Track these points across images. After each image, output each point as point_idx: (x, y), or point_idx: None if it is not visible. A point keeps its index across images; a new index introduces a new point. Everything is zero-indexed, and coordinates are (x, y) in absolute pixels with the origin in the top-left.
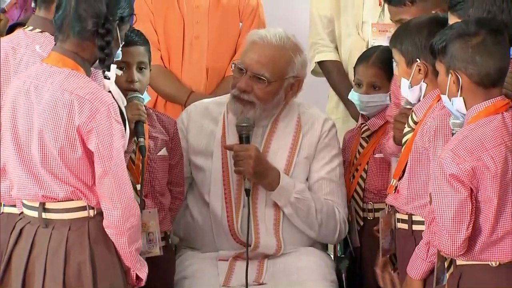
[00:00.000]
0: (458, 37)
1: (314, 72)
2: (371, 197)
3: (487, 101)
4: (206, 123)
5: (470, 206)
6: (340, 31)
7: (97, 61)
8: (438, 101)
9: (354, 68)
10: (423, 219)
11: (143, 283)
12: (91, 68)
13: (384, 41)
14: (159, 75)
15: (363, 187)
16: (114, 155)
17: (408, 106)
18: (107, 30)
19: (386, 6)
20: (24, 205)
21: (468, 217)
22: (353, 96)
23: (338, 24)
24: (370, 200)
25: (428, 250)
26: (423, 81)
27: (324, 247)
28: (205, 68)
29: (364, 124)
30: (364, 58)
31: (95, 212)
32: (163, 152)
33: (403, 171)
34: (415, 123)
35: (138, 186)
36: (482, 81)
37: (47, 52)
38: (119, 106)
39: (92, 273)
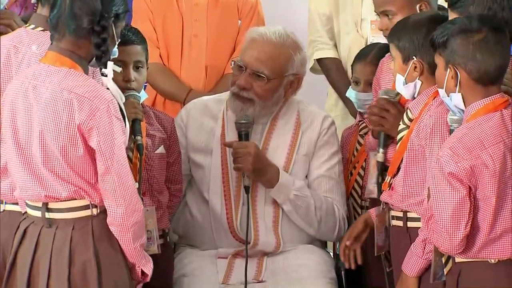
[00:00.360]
0: (460, 33)
1: (312, 69)
2: None
3: (486, 99)
4: (205, 121)
5: (469, 204)
6: (339, 28)
7: (94, 58)
8: (434, 98)
9: (352, 66)
10: (418, 216)
11: (148, 279)
12: (89, 67)
13: (383, 39)
14: (158, 73)
15: (361, 184)
16: (115, 152)
17: (385, 96)
18: (102, 28)
19: None
20: (28, 205)
21: (467, 215)
22: (351, 94)
23: (337, 22)
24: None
25: (424, 247)
26: (418, 79)
27: (323, 245)
28: (204, 66)
29: (362, 122)
30: (361, 56)
31: (98, 211)
32: (161, 150)
33: (398, 168)
34: (410, 120)
35: (136, 184)
36: (481, 78)
37: (45, 51)
38: (118, 102)
39: (97, 271)
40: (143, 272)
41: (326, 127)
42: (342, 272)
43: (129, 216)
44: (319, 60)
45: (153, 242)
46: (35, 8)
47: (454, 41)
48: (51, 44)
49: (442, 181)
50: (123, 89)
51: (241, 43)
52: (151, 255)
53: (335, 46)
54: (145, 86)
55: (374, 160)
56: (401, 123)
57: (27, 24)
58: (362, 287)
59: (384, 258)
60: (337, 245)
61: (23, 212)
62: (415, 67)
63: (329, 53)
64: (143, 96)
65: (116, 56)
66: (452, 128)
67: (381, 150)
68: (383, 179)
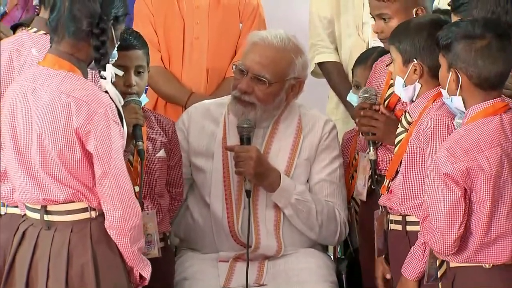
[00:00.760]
0: (464, 38)
1: (313, 73)
2: None
3: (485, 102)
4: (207, 124)
5: (464, 206)
6: (340, 32)
7: (93, 61)
8: (434, 101)
9: (352, 70)
10: (417, 220)
11: (146, 282)
12: (88, 70)
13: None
14: (159, 76)
15: None
16: (113, 156)
17: (365, 95)
18: (101, 30)
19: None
20: (27, 207)
21: (461, 216)
22: (352, 97)
23: (338, 25)
24: None
25: (424, 250)
26: (418, 82)
27: (324, 248)
28: (205, 68)
29: None
30: (362, 59)
31: (97, 213)
32: (162, 153)
33: (396, 171)
34: (409, 123)
35: (137, 188)
36: (481, 84)
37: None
38: (116, 106)
39: (95, 274)
40: (141, 276)
41: (328, 131)
42: (343, 276)
43: (126, 220)
44: (320, 64)
45: (153, 245)
46: (36, 10)
47: (457, 46)
48: (51, 46)
49: (438, 181)
50: (124, 94)
51: (243, 46)
52: (151, 259)
53: (336, 49)
54: (146, 89)
55: (364, 161)
56: (399, 126)
57: (30, 27)
58: None
59: (385, 262)
60: (338, 248)
61: (22, 214)
62: (415, 69)
63: (330, 56)
64: (144, 100)
65: (115, 58)
66: None
67: (371, 148)
68: (377, 181)
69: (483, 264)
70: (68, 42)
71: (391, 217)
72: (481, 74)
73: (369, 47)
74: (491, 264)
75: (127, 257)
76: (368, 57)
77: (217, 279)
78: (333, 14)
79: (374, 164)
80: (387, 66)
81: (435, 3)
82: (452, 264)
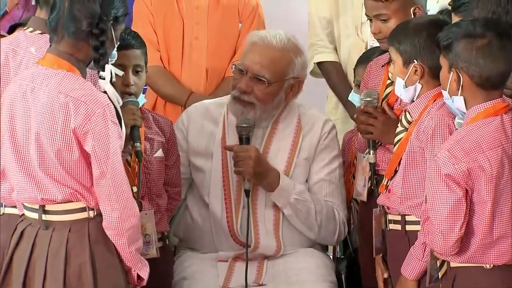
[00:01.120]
0: (464, 37)
1: (312, 73)
2: None
3: (486, 103)
4: (206, 124)
5: (465, 206)
6: (339, 32)
7: (92, 61)
8: (435, 101)
9: (354, 69)
10: (417, 219)
11: (144, 283)
12: (87, 70)
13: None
14: (158, 76)
15: None
16: (110, 157)
17: (368, 99)
18: (101, 30)
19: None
20: (25, 207)
21: (462, 217)
22: (353, 97)
23: (337, 25)
24: None
25: (424, 250)
26: (418, 82)
27: (323, 248)
28: (205, 68)
29: None
30: (364, 59)
31: (95, 213)
32: (159, 153)
33: (395, 171)
34: (409, 122)
35: (135, 188)
36: (483, 83)
37: (43, 54)
38: (115, 106)
39: (92, 274)
40: (139, 276)
41: (327, 131)
42: (343, 276)
43: (124, 221)
44: (319, 64)
45: (152, 245)
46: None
47: (458, 45)
48: (50, 46)
49: (439, 182)
50: (122, 93)
51: (242, 46)
52: (150, 258)
53: (335, 49)
54: (145, 89)
55: (363, 162)
56: (399, 125)
57: (26, 27)
58: None
59: (382, 262)
60: (337, 248)
61: (20, 214)
62: (416, 70)
63: (329, 56)
64: (142, 100)
65: (115, 59)
66: None
67: (371, 151)
68: (376, 182)
69: (484, 265)
70: (67, 42)
71: (390, 217)
72: (483, 74)
73: (368, 47)
74: (492, 265)
75: (125, 258)
76: (370, 57)
77: (216, 278)
78: (332, 15)
79: (374, 167)
80: (382, 66)
81: (435, 3)
82: (452, 264)
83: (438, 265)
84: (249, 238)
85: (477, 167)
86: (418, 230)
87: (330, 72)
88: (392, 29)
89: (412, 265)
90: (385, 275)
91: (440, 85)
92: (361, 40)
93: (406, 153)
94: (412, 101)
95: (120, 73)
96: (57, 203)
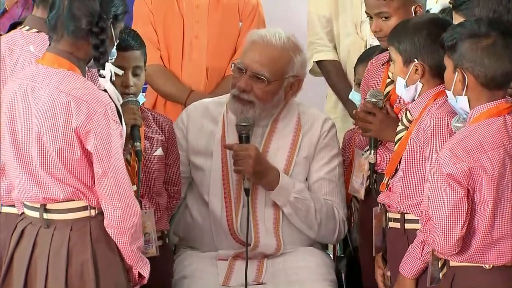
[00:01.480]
0: (469, 37)
1: (312, 71)
2: None
3: (489, 103)
4: (206, 123)
5: (466, 206)
6: (339, 30)
7: (92, 60)
8: (435, 100)
9: (355, 68)
10: (416, 218)
11: (145, 281)
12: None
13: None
14: (159, 75)
15: None
16: (112, 156)
17: (372, 99)
18: (101, 29)
19: None
20: (25, 206)
21: (464, 217)
22: (354, 96)
23: (336, 24)
24: None
25: (422, 249)
26: (419, 81)
27: (323, 247)
28: (205, 67)
29: None
30: (364, 58)
31: (97, 212)
32: (159, 152)
33: (396, 169)
34: (409, 121)
35: (134, 187)
36: (488, 83)
37: (42, 52)
38: (115, 104)
39: (94, 273)
40: (140, 275)
41: (327, 130)
42: (343, 275)
43: (126, 219)
44: (318, 62)
45: (151, 244)
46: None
47: (463, 45)
48: (49, 45)
49: (441, 181)
50: (121, 94)
51: (242, 45)
52: (150, 257)
53: (335, 48)
54: (145, 88)
55: (361, 159)
56: (399, 124)
57: (22, 26)
58: None
59: (382, 260)
60: (337, 247)
61: (19, 213)
62: (416, 69)
63: (329, 55)
64: (141, 99)
65: (114, 57)
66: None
67: (372, 151)
68: (375, 181)
69: (483, 265)
70: (67, 41)
71: (389, 215)
72: (488, 73)
73: (368, 45)
74: (491, 265)
75: (126, 256)
76: (371, 56)
77: (216, 277)
78: (331, 13)
79: (373, 166)
80: (382, 65)
81: (434, 3)
82: (452, 263)
83: (440, 266)
84: (249, 236)
85: (479, 167)
86: (417, 229)
87: (330, 70)
88: (392, 29)
89: (410, 264)
90: (388, 273)
91: (440, 84)
92: (361, 38)
93: (406, 152)
94: (413, 100)
95: (120, 72)
96: (59, 202)
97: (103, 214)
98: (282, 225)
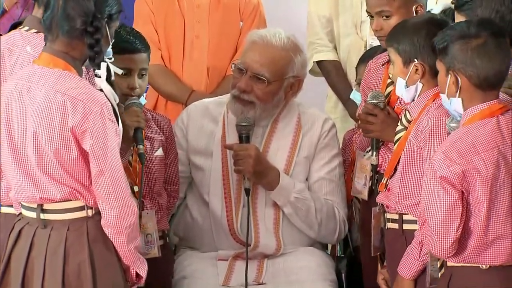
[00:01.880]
0: (459, 39)
1: (312, 71)
2: None
3: (482, 104)
4: (206, 123)
5: (461, 208)
6: (339, 30)
7: (88, 59)
8: (434, 100)
9: (356, 68)
10: (414, 219)
11: (143, 281)
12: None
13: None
14: (159, 75)
15: None
16: (109, 155)
17: (373, 101)
18: (95, 28)
19: None
20: (23, 206)
21: (458, 219)
22: (355, 95)
23: (336, 24)
24: None
25: (421, 250)
26: (419, 81)
27: (324, 247)
28: (206, 67)
29: None
30: (365, 58)
31: (94, 212)
32: (159, 152)
33: (395, 169)
34: (408, 121)
35: (136, 188)
36: (481, 84)
37: (39, 53)
38: (112, 104)
39: (91, 273)
40: (137, 274)
41: (327, 130)
42: (343, 275)
43: (123, 219)
44: (318, 63)
45: (153, 245)
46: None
47: (454, 47)
48: (45, 45)
49: (435, 184)
50: (126, 96)
51: (243, 44)
52: (151, 257)
53: (335, 48)
54: (146, 88)
55: (363, 160)
56: (399, 124)
57: (22, 26)
58: None
59: (379, 260)
60: (337, 247)
61: (17, 213)
62: (416, 69)
63: (329, 55)
64: (142, 101)
65: (110, 56)
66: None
67: (374, 153)
68: (377, 181)
69: (480, 265)
70: (62, 41)
71: (388, 215)
72: (480, 74)
73: (368, 46)
74: (488, 265)
75: (123, 256)
76: (372, 56)
77: (216, 277)
78: (331, 13)
79: (375, 168)
80: (382, 65)
81: (434, 4)
82: (449, 263)
83: (438, 266)
84: (249, 236)
85: (472, 169)
86: (415, 229)
87: (330, 71)
88: (390, 30)
89: (409, 265)
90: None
91: None
92: (361, 39)
93: (405, 152)
94: (413, 100)
95: (119, 71)
96: (56, 202)
97: (100, 214)
98: (282, 225)
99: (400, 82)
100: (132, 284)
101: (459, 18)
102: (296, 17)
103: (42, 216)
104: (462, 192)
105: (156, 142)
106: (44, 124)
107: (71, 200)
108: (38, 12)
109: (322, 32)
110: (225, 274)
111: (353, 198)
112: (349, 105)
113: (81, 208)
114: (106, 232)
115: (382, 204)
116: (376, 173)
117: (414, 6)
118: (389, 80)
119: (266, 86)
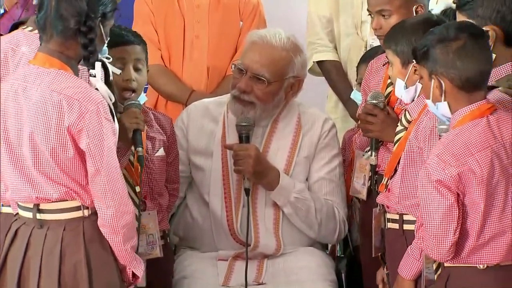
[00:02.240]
0: (439, 42)
1: (311, 71)
2: None
3: (471, 105)
4: (206, 123)
5: (457, 211)
6: (339, 30)
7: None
8: None
9: (357, 67)
10: (414, 219)
11: (139, 281)
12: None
13: None
14: (159, 75)
15: None
16: (105, 154)
17: (373, 101)
18: (89, 28)
19: None
20: (19, 206)
21: (455, 222)
22: (356, 95)
23: (337, 24)
24: None
25: (421, 250)
26: (419, 82)
27: (323, 247)
28: (206, 67)
29: None
30: (366, 58)
31: (90, 212)
32: (161, 152)
33: (395, 170)
34: (408, 122)
35: (137, 188)
36: (464, 85)
37: None
38: (108, 103)
39: (87, 273)
40: (134, 274)
41: (327, 130)
42: (343, 275)
43: (119, 218)
44: (319, 63)
45: (155, 245)
46: (36, 10)
47: (434, 51)
48: (40, 45)
49: (430, 188)
50: (124, 89)
51: (243, 44)
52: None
53: (335, 48)
54: (146, 88)
55: (362, 160)
56: (399, 124)
57: (25, 26)
58: None
59: (381, 260)
60: (337, 247)
61: (14, 213)
62: (415, 70)
63: (329, 55)
64: (143, 99)
65: (106, 55)
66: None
67: (373, 153)
68: (376, 182)
69: (477, 265)
70: (56, 41)
71: (388, 215)
72: (462, 75)
73: (368, 46)
74: (485, 265)
75: (119, 256)
76: (373, 56)
77: (216, 277)
78: (332, 13)
79: (374, 168)
80: (383, 65)
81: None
82: (446, 264)
83: (434, 268)
84: (249, 237)
85: (467, 170)
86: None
87: (330, 71)
88: (387, 32)
89: (409, 265)
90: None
91: None
92: (361, 39)
93: (405, 153)
94: (413, 101)
95: (118, 71)
96: (52, 202)
97: (96, 214)
98: (282, 225)
99: (399, 83)
100: (128, 284)
101: (460, 18)
102: (296, 17)
103: (39, 216)
104: (458, 194)
105: (158, 142)
106: (40, 123)
107: (67, 200)
108: None
109: (322, 32)
110: (225, 274)
111: (353, 198)
112: (349, 105)
113: (78, 208)
114: (102, 232)
115: (382, 205)
116: (375, 174)
117: (414, 6)
118: (389, 81)
119: (266, 86)
